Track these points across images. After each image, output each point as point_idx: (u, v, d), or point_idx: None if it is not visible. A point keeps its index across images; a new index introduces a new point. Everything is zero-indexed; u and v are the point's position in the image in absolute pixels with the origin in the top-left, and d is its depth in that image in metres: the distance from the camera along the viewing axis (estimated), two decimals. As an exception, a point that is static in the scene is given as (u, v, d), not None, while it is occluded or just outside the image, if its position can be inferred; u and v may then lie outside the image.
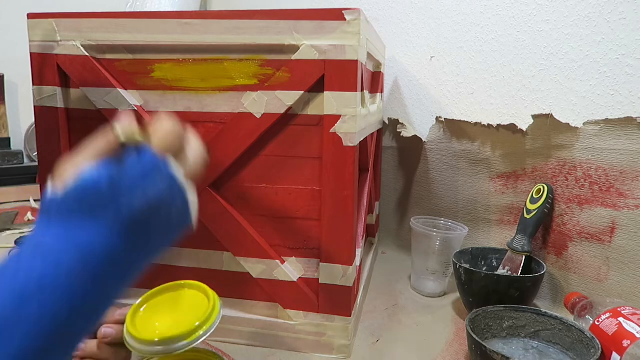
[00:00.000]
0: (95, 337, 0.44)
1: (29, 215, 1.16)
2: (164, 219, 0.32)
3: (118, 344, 0.43)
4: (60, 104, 0.62)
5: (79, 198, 0.29)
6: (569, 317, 0.62)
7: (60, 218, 0.29)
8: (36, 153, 1.25)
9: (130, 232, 0.30)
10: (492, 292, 0.68)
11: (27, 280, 0.26)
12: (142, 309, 0.45)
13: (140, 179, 0.30)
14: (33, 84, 0.62)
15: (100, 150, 0.32)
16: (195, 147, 0.36)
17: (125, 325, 0.43)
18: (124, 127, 0.32)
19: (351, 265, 0.58)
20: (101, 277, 0.29)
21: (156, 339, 0.40)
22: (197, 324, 0.41)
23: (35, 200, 1.26)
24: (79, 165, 0.30)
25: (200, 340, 0.41)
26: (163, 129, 0.33)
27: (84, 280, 0.28)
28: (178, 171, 0.33)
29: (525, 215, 0.76)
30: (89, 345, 0.44)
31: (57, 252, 0.28)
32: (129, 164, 0.31)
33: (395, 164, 1.01)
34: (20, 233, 1.04)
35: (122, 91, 0.60)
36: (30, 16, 0.60)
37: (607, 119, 0.71)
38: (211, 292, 0.45)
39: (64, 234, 0.28)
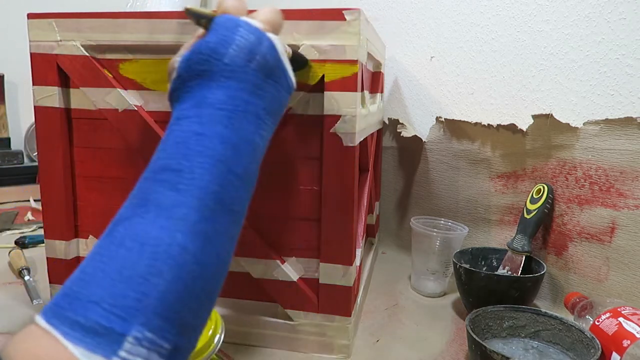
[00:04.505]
0: None
1: (29, 215, 1.16)
2: (260, 60, 0.37)
3: None
4: (60, 104, 0.62)
5: (185, 78, 0.37)
6: (569, 317, 0.62)
7: (180, 97, 0.37)
8: (36, 153, 1.25)
9: (239, 77, 0.36)
10: (492, 292, 0.68)
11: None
12: None
13: (220, 36, 0.37)
14: (33, 84, 0.62)
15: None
16: (264, 9, 0.42)
17: None
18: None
19: (351, 265, 0.58)
20: (229, 119, 0.35)
21: None
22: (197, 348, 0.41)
23: (35, 200, 1.26)
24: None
25: None
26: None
27: (225, 122, 0.35)
28: (250, 21, 0.38)
29: (525, 215, 0.76)
30: None
31: (190, 117, 0.35)
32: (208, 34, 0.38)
33: (395, 164, 1.01)
34: (20, 233, 1.04)
35: (122, 91, 0.60)
36: (30, 16, 0.60)
37: (607, 119, 0.71)
38: (214, 313, 0.44)
39: (191, 102, 0.36)
